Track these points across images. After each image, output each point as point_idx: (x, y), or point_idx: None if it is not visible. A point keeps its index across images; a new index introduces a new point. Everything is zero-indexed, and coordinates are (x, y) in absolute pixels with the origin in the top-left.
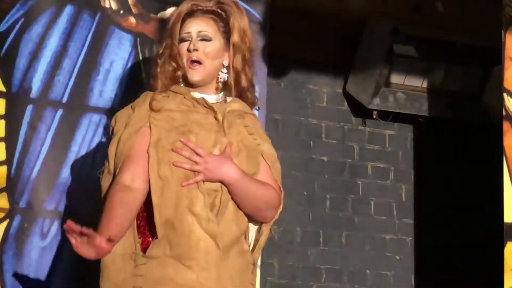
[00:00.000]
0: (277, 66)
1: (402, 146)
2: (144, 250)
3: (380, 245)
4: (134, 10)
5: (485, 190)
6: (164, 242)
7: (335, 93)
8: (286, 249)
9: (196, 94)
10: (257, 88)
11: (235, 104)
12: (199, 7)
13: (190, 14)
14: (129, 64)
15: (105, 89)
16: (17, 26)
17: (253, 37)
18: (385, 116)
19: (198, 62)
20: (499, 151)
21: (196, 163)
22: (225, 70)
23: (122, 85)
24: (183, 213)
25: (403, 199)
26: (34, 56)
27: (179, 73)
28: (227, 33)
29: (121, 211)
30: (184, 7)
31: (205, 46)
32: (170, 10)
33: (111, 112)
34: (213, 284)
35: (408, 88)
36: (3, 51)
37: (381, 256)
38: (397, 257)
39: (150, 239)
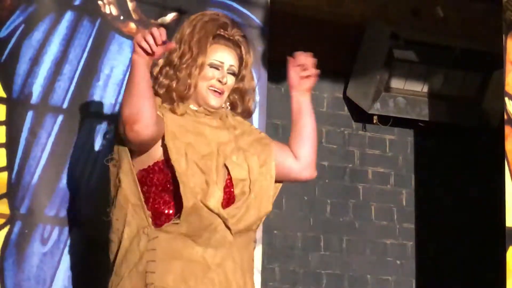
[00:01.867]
0: (277, 71)
1: (402, 150)
2: (155, 222)
3: (381, 250)
4: (134, 16)
5: (486, 194)
6: (183, 223)
7: (335, 98)
8: (287, 254)
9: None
10: (257, 92)
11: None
12: (226, 34)
13: (216, 36)
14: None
15: (105, 95)
16: (18, 32)
17: (253, 42)
18: (386, 120)
19: (219, 93)
20: (499, 155)
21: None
22: (228, 104)
23: (123, 90)
24: (202, 207)
25: (404, 203)
26: (35, 62)
27: (187, 93)
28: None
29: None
30: (212, 28)
31: (230, 80)
32: (170, 16)
33: (111, 117)
34: (214, 261)
35: (408, 92)
36: (3, 57)
37: (382, 261)
38: (398, 262)
39: (165, 211)
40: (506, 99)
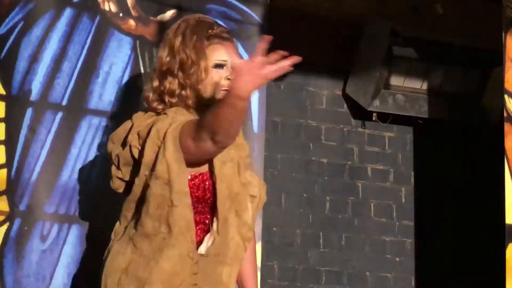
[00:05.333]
0: None
1: (401, 148)
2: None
3: (380, 247)
4: (133, 12)
5: (485, 191)
6: (216, 245)
7: (335, 95)
8: (286, 251)
9: None
10: (256, 90)
11: None
12: (216, 33)
13: (208, 38)
14: (129, 67)
15: (104, 92)
16: (17, 29)
17: (252, 39)
18: (385, 118)
19: None
20: (499, 152)
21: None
22: None
23: (122, 87)
24: (230, 212)
25: (403, 201)
26: (34, 59)
27: (201, 98)
28: None
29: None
30: (202, 30)
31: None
32: (169, 13)
33: (110, 114)
34: (231, 281)
35: (407, 90)
36: (2, 54)
37: (381, 258)
38: (397, 259)
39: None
40: (506, 96)
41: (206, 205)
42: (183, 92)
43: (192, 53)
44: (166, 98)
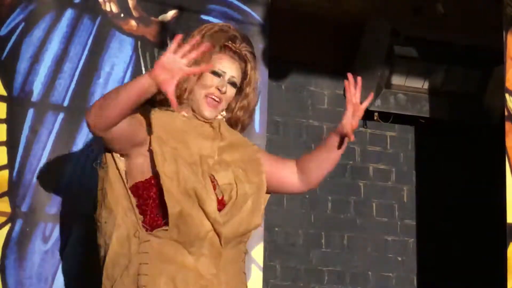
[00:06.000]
0: (277, 68)
1: (403, 147)
2: (147, 226)
3: (382, 246)
4: (134, 13)
5: (487, 190)
6: (172, 229)
7: (336, 95)
8: (288, 251)
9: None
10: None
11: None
12: (233, 46)
13: (222, 47)
14: (130, 67)
15: (106, 92)
16: (18, 30)
17: (254, 40)
18: (386, 117)
19: (217, 102)
20: (500, 151)
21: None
22: (224, 113)
23: None
24: (192, 208)
25: (405, 200)
26: (35, 60)
27: (182, 97)
28: (241, 80)
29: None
30: (220, 39)
31: (229, 91)
32: (170, 13)
33: None
34: (209, 271)
35: (409, 89)
36: (4, 55)
37: (383, 258)
38: (399, 259)
39: (156, 218)
40: (507, 95)
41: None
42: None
43: (200, 56)
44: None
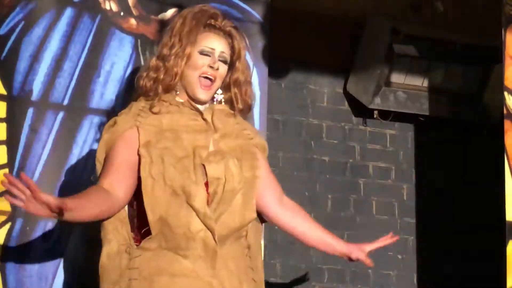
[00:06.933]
0: (277, 66)
1: (403, 145)
2: (138, 243)
3: None
4: (134, 11)
5: (486, 188)
6: (159, 236)
7: (336, 93)
8: (288, 249)
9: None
10: (257, 88)
11: (221, 105)
12: (216, 24)
13: (206, 26)
14: (130, 66)
15: (106, 91)
16: (18, 29)
17: (254, 38)
18: (386, 115)
19: (211, 80)
20: (500, 149)
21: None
22: (220, 91)
23: (123, 86)
24: (180, 207)
25: (405, 198)
26: (35, 59)
27: (172, 82)
28: (230, 56)
29: (95, 200)
30: (202, 18)
31: (221, 68)
32: (170, 12)
33: (112, 114)
34: (207, 272)
35: (408, 87)
36: (3, 54)
37: (383, 256)
38: (399, 257)
39: (144, 233)
40: (506, 93)
41: None
42: (159, 74)
43: (185, 38)
44: (145, 80)
